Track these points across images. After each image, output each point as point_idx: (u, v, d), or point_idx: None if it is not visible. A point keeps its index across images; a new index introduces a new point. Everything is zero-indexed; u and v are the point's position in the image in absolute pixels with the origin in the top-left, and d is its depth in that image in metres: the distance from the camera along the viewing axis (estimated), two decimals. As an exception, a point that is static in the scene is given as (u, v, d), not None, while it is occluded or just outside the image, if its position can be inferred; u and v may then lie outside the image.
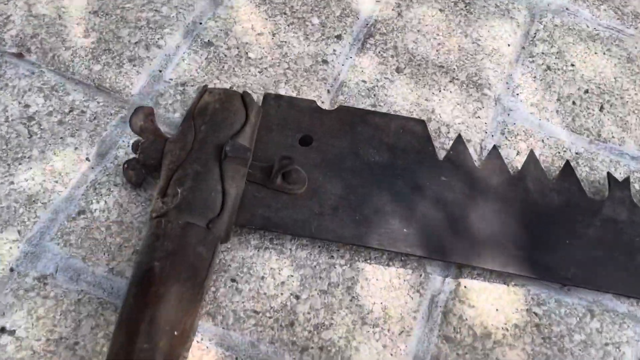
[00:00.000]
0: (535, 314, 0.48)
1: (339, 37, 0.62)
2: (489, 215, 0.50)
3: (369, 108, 0.57)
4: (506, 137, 0.57)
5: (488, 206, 0.50)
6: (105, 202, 0.51)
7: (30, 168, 0.51)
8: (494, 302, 0.48)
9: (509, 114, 0.59)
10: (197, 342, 0.45)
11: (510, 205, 0.50)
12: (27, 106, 0.55)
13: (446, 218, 0.49)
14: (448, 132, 0.57)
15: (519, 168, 0.54)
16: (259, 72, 0.59)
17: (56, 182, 0.51)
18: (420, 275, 0.49)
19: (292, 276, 0.48)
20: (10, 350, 0.44)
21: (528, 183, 0.52)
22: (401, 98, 0.58)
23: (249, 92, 0.56)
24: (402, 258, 0.50)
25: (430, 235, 0.48)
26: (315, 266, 0.49)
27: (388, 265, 0.49)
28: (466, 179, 0.51)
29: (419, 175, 0.51)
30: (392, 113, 0.56)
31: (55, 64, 0.58)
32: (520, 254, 0.48)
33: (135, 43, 0.60)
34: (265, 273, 0.48)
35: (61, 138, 0.53)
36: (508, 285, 0.49)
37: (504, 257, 0.48)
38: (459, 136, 0.54)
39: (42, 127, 0.54)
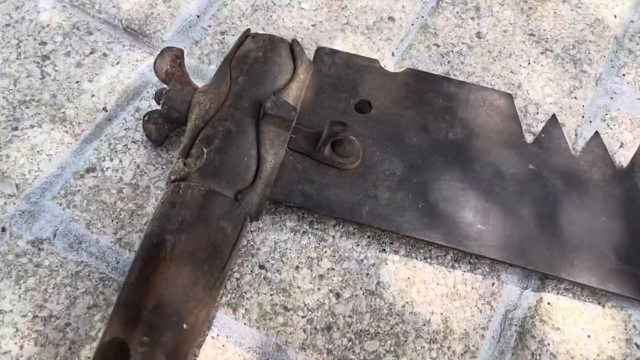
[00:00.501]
0: (637, 345, 0.38)
1: (409, -8, 0.52)
2: (586, 217, 0.39)
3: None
4: (608, 125, 0.46)
5: (586, 206, 0.40)
6: (120, 160, 0.43)
7: (38, 114, 0.44)
8: (584, 327, 0.38)
9: (612, 98, 0.48)
10: (212, 338, 0.37)
11: (614, 206, 0.40)
12: (43, 43, 0.47)
13: (532, 216, 0.39)
14: (537, 113, 0.46)
15: (625, 163, 0.44)
16: (312, 25, 0.50)
17: (66, 132, 0.43)
18: (493, 284, 0.39)
19: (333, 269, 0.39)
20: (-10, 324, 0.36)
21: (638, 182, 0.41)
22: (481, 68, 0.48)
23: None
24: (471, 260, 0.40)
25: (510, 235, 0.38)
26: (362, 260, 0.40)
27: (453, 267, 0.40)
28: (560, 170, 0.41)
29: (501, 160, 0.41)
30: (470, 82, 0.46)
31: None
32: (624, 268, 0.38)
33: (173, -18, 0.51)
34: (301, 262, 0.39)
35: (77, 82, 0.46)
36: (604, 307, 0.39)
37: (603, 271, 0.38)
38: (553, 117, 0.43)
39: (57, 69, 0.46)
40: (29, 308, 0.37)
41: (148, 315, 0.31)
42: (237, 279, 0.39)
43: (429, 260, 0.40)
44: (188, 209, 0.34)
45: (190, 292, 0.32)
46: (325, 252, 0.40)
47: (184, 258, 0.32)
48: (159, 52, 0.40)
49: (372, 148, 0.41)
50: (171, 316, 0.31)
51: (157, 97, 0.40)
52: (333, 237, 0.41)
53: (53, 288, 0.38)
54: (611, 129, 0.46)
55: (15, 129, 0.43)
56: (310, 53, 0.48)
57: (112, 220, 0.40)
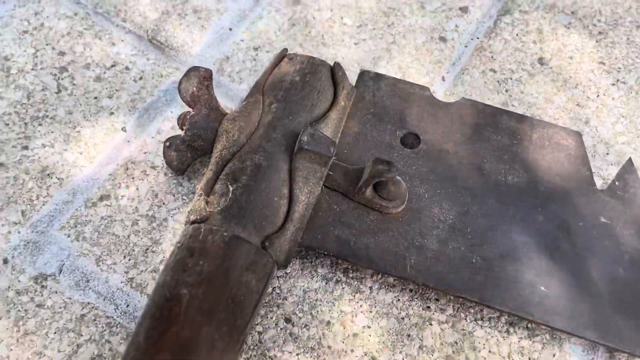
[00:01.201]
0: None
1: (464, 9, 0.47)
2: (668, 284, 0.34)
3: (498, 107, 0.42)
4: (689, 171, 0.40)
5: (668, 270, 0.34)
6: (137, 188, 0.38)
7: (51, 132, 0.40)
8: (662, 414, 0.33)
9: (693, 139, 0.42)
10: (228, 401, 0.32)
11: (702, 273, 0.34)
12: (61, 53, 0.43)
13: (604, 279, 0.34)
14: (607, 154, 0.41)
15: None
16: (355, 43, 0.45)
17: (80, 153, 0.39)
18: (554, 355, 0.34)
19: (369, 327, 0.34)
20: (-17, 370, 0.32)
21: None
22: (543, 99, 0.43)
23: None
24: (529, 325, 0.35)
25: (578, 301, 0.33)
26: (403, 318, 0.35)
27: (508, 332, 0.34)
28: (637, 225, 0.35)
29: (568, 211, 0.35)
30: (532, 117, 0.40)
31: (104, 6, 0.46)
32: None
33: (205, -9, 0.47)
34: (333, 317, 0.35)
35: (95, 98, 0.42)
36: (684, 391, 0.33)
37: (688, 351, 0.32)
38: (629, 161, 0.38)
39: (74, 82, 0.42)
40: (27, 355, 0.33)
41: (156, 386, 0.26)
42: (260, 333, 0.34)
43: (479, 322, 0.35)
44: (208, 259, 0.29)
45: (206, 357, 0.28)
46: (361, 306, 0.35)
47: (200, 317, 0.28)
48: (184, 72, 0.36)
49: (419, 189, 0.36)
50: (182, 387, 0.27)
51: (181, 121, 0.36)
52: (370, 288, 0.36)
53: (55, 333, 0.34)
54: (693, 175, 0.40)
55: (26, 147, 0.39)
56: (351, 75, 0.43)
57: (124, 257, 0.36)
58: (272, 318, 0.35)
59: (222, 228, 0.30)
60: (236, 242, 0.30)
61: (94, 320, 0.34)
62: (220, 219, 0.31)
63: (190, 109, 0.36)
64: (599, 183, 0.39)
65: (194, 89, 0.35)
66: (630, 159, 0.38)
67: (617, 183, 0.37)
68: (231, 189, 0.32)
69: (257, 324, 0.34)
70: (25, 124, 0.40)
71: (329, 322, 0.35)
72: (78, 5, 0.46)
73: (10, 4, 0.46)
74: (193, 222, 0.31)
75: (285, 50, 0.38)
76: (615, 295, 0.33)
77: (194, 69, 0.35)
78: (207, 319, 0.28)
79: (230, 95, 0.43)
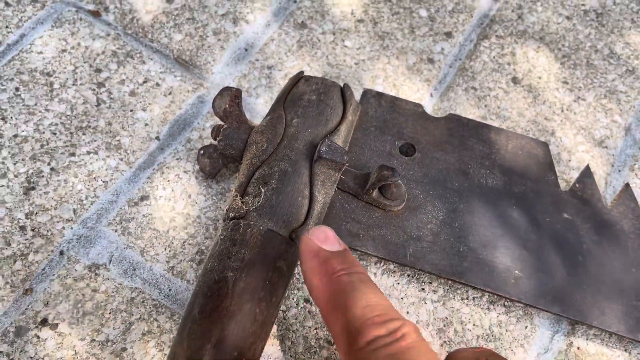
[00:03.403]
0: (661, 393, 0.40)
1: (449, 34, 0.55)
2: (617, 267, 0.41)
3: (479, 120, 0.49)
4: (636, 175, 0.48)
5: (617, 256, 0.42)
6: (172, 189, 0.44)
7: (94, 140, 0.46)
8: (612, 372, 0.40)
9: (640, 148, 0.50)
10: (260, 368, 0.38)
11: (644, 258, 0.42)
12: (98, 70, 0.49)
13: (566, 264, 0.41)
14: (569, 160, 0.48)
15: (653, 214, 0.46)
16: (355, 63, 0.52)
17: (121, 159, 0.45)
18: (526, 327, 0.41)
19: (374, 306, 0.41)
20: (50, 346, 0.38)
21: (666, 234, 0.43)
22: (516, 113, 0.50)
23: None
24: (506, 303, 0.42)
25: (545, 282, 0.40)
26: (402, 298, 0.42)
27: (488, 309, 0.42)
28: (593, 220, 0.43)
29: (537, 208, 0.43)
30: (508, 129, 0.48)
31: (133, 28, 0.52)
32: (651, 319, 0.40)
33: (223, 15, 0.53)
34: (345, 298, 0.41)
35: (131, 111, 0.48)
36: (630, 354, 0.41)
37: (633, 321, 0.40)
38: (587, 168, 0.45)
39: (112, 96, 0.48)
40: (87, 332, 0.39)
41: (211, 350, 0.33)
42: (284, 311, 0.41)
43: (466, 301, 0.42)
44: (248, 248, 0.36)
45: (250, 328, 0.34)
46: (367, 288, 0.42)
47: (244, 295, 0.34)
48: (218, 91, 0.42)
49: (415, 191, 0.43)
50: (233, 351, 0.33)
51: (215, 133, 0.42)
52: (374, 274, 0.42)
53: (110, 313, 0.39)
54: (639, 179, 0.48)
55: (73, 154, 0.45)
56: (353, 90, 0.50)
57: (165, 249, 0.42)
58: (293, 299, 0.41)
59: (257, 223, 0.37)
60: (270, 234, 0.37)
61: (142, 302, 0.40)
62: (256, 215, 0.37)
63: (222, 123, 0.43)
64: (562, 185, 0.47)
65: (226, 105, 0.42)
66: (588, 165, 0.46)
67: (577, 185, 0.45)
68: (263, 190, 0.38)
69: (282, 304, 0.41)
70: (71, 133, 0.46)
71: (341, 302, 0.41)
72: (109, 27, 0.52)
73: (47, 25, 0.51)
74: (232, 219, 0.38)
75: (302, 72, 0.45)
76: (576, 277, 0.41)
77: (227, 89, 0.42)
78: (249, 296, 0.34)
79: (248, 108, 0.49)
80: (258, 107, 0.49)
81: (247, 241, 0.36)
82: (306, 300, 0.41)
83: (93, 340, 0.38)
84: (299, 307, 0.41)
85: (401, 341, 0.27)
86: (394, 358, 0.27)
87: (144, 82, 0.49)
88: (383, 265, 0.43)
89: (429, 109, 0.50)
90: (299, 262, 0.38)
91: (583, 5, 0.58)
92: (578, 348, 0.41)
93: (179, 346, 0.34)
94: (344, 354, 0.29)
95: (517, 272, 0.40)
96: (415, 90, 0.51)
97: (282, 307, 0.41)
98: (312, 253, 0.33)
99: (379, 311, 0.29)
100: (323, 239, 0.33)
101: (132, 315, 0.40)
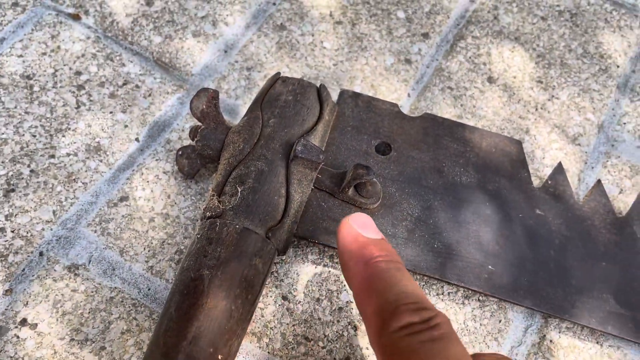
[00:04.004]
0: (631, 384, 0.41)
1: (425, 35, 0.55)
2: (588, 262, 0.42)
3: (454, 119, 0.50)
4: (608, 171, 0.50)
5: (588, 251, 0.43)
6: (152, 190, 0.45)
7: (74, 142, 0.46)
8: (583, 364, 0.41)
9: (612, 145, 0.51)
10: (238, 365, 0.39)
11: (614, 252, 0.43)
12: (78, 73, 0.50)
13: (538, 259, 0.42)
14: (543, 158, 0.49)
15: (623, 209, 0.47)
16: (334, 64, 0.53)
17: (101, 161, 0.46)
18: (500, 321, 0.42)
19: (351, 302, 0.42)
20: (29, 345, 0.38)
21: (636, 229, 0.44)
22: (492, 112, 0.51)
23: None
24: (480, 298, 0.43)
25: (518, 276, 0.41)
26: (379, 294, 0.42)
27: (463, 304, 0.43)
28: (565, 216, 0.44)
29: (510, 205, 0.44)
30: (482, 128, 0.49)
31: (113, 31, 0.52)
32: (622, 312, 0.41)
33: (202, 17, 0.54)
34: (322, 295, 0.42)
35: (111, 113, 0.48)
36: (602, 346, 0.42)
37: (603, 314, 0.41)
38: (560, 165, 0.46)
39: (91, 98, 0.48)
40: (67, 331, 0.39)
41: (187, 346, 0.33)
42: (262, 309, 0.41)
43: (441, 296, 0.43)
44: (224, 246, 0.36)
45: (225, 325, 0.34)
46: (344, 286, 0.43)
47: (220, 292, 0.35)
48: (195, 93, 0.43)
49: (391, 189, 0.44)
50: (208, 347, 0.34)
51: (192, 134, 0.43)
52: (352, 271, 0.43)
53: (89, 312, 0.40)
54: (612, 175, 0.49)
55: (52, 156, 0.45)
56: (331, 92, 0.51)
57: (144, 249, 0.43)
58: (271, 296, 0.42)
59: (234, 222, 0.38)
60: (246, 233, 0.37)
61: (122, 301, 0.41)
62: (232, 214, 0.38)
63: (200, 124, 0.43)
64: (536, 182, 0.48)
65: (204, 106, 0.42)
66: (560, 162, 0.47)
67: (549, 182, 0.46)
68: (239, 190, 0.39)
69: (260, 302, 0.41)
70: (51, 135, 0.46)
71: (318, 299, 0.42)
72: (89, 30, 0.52)
73: (27, 28, 0.51)
74: (209, 218, 0.38)
75: (279, 73, 0.45)
76: (548, 271, 0.42)
77: (204, 90, 0.42)
78: (225, 293, 0.35)
79: (227, 109, 0.50)
80: (238, 108, 0.50)
81: (223, 239, 0.37)
82: (284, 298, 0.42)
83: (72, 339, 0.39)
84: (277, 305, 0.41)
85: (433, 330, 0.28)
86: (425, 345, 0.27)
87: (124, 84, 0.50)
88: (360, 263, 0.43)
89: (406, 109, 0.51)
90: (337, 246, 0.37)
91: (558, 5, 0.59)
92: (551, 341, 0.42)
93: (155, 343, 0.34)
94: (375, 335, 0.30)
95: (490, 267, 0.41)
96: (393, 91, 0.52)
97: (260, 305, 0.41)
98: (351, 237, 0.33)
99: (414, 299, 0.29)
100: (362, 225, 0.34)
101: (112, 314, 0.40)
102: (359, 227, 0.34)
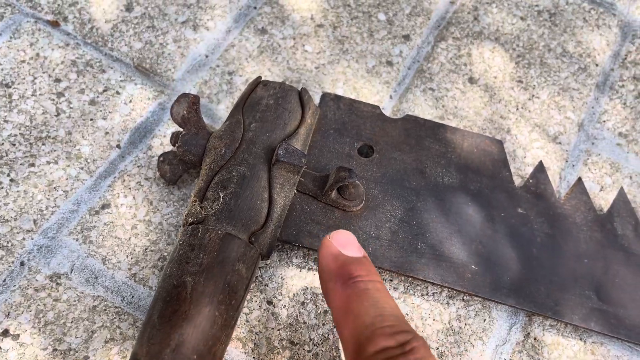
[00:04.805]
0: (615, 379, 0.41)
1: (407, 37, 0.56)
2: (570, 259, 0.43)
3: (436, 120, 0.51)
4: (589, 169, 0.50)
5: (570, 248, 0.43)
6: (134, 197, 0.45)
7: (54, 150, 0.46)
8: (567, 361, 0.42)
9: (593, 143, 0.52)
10: (223, 371, 0.39)
11: (595, 249, 0.43)
12: (57, 80, 0.49)
13: (521, 257, 0.42)
14: (525, 157, 0.50)
15: (604, 206, 0.47)
16: (316, 67, 0.53)
17: (81, 168, 0.45)
18: (484, 320, 0.42)
19: (336, 305, 0.42)
20: (11, 357, 0.38)
21: (617, 226, 0.45)
22: (473, 112, 0.52)
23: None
24: (464, 297, 0.43)
25: (501, 275, 0.42)
26: (364, 296, 0.42)
27: (448, 304, 0.43)
28: (546, 214, 0.44)
29: (492, 204, 0.44)
30: (464, 129, 0.49)
31: (92, 37, 0.52)
32: (604, 308, 0.41)
33: (183, 22, 0.54)
34: (307, 298, 0.42)
35: (91, 120, 0.48)
36: (585, 343, 0.42)
37: (585, 310, 0.41)
38: (540, 163, 0.47)
39: (71, 106, 0.48)
40: (49, 341, 0.39)
41: (170, 354, 0.33)
42: (247, 314, 0.41)
43: (425, 297, 0.43)
44: (206, 252, 0.36)
45: (209, 331, 0.34)
46: (329, 288, 0.43)
47: (203, 299, 0.35)
48: (176, 98, 0.43)
49: (374, 191, 0.44)
50: (192, 354, 0.33)
51: (174, 140, 0.43)
52: (336, 274, 0.43)
53: (72, 322, 0.39)
54: (592, 173, 0.50)
55: (32, 165, 0.45)
56: (314, 95, 0.51)
57: (127, 256, 0.42)
58: (256, 301, 0.42)
59: (216, 227, 0.37)
60: (229, 238, 0.37)
61: (105, 310, 0.40)
62: (214, 220, 0.38)
63: (181, 129, 0.43)
64: (518, 181, 0.48)
65: (184, 112, 0.42)
66: (541, 161, 0.47)
67: (531, 181, 0.46)
68: (221, 195, 0.39)
69: (244, 307, 0.41)
70: (30, 144, 0.46)
71: (303, 302, 0.42)
72: (68, 37, 0.52)
73: (6, 36, 0.51)
74: (191, 224, 0.38)
75: (260, 77, 0.45)
76: (530, 270, 0.42)
77: (184, 95, 0.42)
78: (208, 300, 0.35)
79: (209, 114, 0.49)
80: (220, 112, 0.50)
81: (205, 245, 0.37)
82: (269, 302, 0.42)
83: (55, 349, 0.38)
84: (262, 309, 0.41)
85: (409, 354, 0.27)
86: None
87: (104, 90, 0.49)
88: (345, 265, 0.43)
89: (388, 111, 0.51)
90: (319, 262, 0.37)
91: (537, 5, 0.59)
92: (535, 339, 0.42)
93: (138, 352, 0.34)
94: (351, 359, 0.29)
95: (473, 266, 0.42)
96: (375, 93, 0.52)
97: (245, 310, 0.41)
98: (331, 256, 0.33)
99: (391, 322, 0.29)
100: (344, 243, 0.34)
101: (95, 323, 0.40)
102: (340, 246, 0.34)
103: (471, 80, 0.54)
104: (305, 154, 0.41)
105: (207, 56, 0.52)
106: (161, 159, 0.44)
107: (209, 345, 0.34)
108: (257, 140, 0.41)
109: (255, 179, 0.40)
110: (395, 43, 0.55)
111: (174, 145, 0.43)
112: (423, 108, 0.52)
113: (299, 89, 0.46)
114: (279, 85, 0.44)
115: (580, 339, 0.42)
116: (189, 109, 0.42)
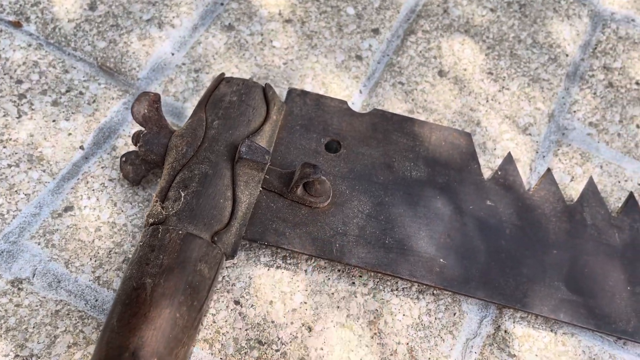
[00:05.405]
0: (586, 370, 0.41)
1: (376, 31, 0.55)
2: (539, 250, 0.43)
3: (406, 114, 0.50)
4: (560, 160, 0.50)
5: (539, 239, 0.43)
6: (97, 198, 0.44)
7: (16, 153, 0.45)
8: (538, 353, 0.41)
9: (563, 133, 0.51)
10: (190, 373, 0.38)
11: (564, 240, 0.43)
12: (19, 82, 0.48)
13: (489, 250, 0.42)
14: (495, 149, 0.49)
15: (575, 196, 0.47)
16: (284, 63, 0.52)
17: (43, 171, 0.44)
18: (454, 314, 0.42)
19: (305, 303, 0.41)
20: (-30, 365, 0.37)
21: (586, 216, 0.45)
22: (443, 105, 0.51)
23: (272, 85, 0.50)
24: (434, 292, 0.43)
25: (469, 268, 0.41)
26: (333, 293, 0.42)
27: (418, 298, 0.42)
28: (515, 206, 0.44)
29: (461, 197, 0.44)
30: (432, 122, 0.49)
31: (55, 37, 0.51)
32: (573, 298, 0.41)
33: (148, 20, 0.53)
34: (275, 297, 0.41)
35: (54, 121, 0.47)
36: (556, 334, 0.42)
37: (555, 301, 0.41)
38: (509, 155, 0.47)
39: (33, 107, 0.47)
40: (11, 347, 0.38)
41: (129, 358, 0.32)
42: (213, 315, 0.40)
43: (395, 292, 0.42)
44: (166, 253, 0.36)
45: (170, 333, 0.34)
46: (298, 286, 0.42)
47: (163, 301, 0.34)
48: (136, 97, 0.42)
49: (341, 187, 0.43)
50: (152, 357, 0.33)
51: (135, 139, 0.42)
52: (305, 271, 0.43)
53: (33, 327, 0.39)
54: (563, 163, 0.50)
55: (-7, 168, 0.44)
56: (282, 91, 0.50)
57: (91, 259, 0.42)
58: (223, 302, 0.41)
59: (177, 227, 0.37)
60: (190, 238, 0.36)
61: (68, 314, 0.39)
62: (175, 220, 0.37)
63: (143, 128, 0.42)
64: (487, 173, 0.48)
65: (145, 111, 0.41)
66: (509, 152, 0.47)
67: (499, 172, 0.46)
68: (183, 194, 0.38)
69: (211, 308, 0.41)
70: (-9, 147, 0.45)
71: (271, 302, 0.41)
72: (31, 37, 0.51)
73: (-35, 37, 0.50)
74: (152, 224, 0.37)
75: (223, 74, 0.45)
76: (499, 262, 0.42)
77: (145, 94, 0.41)
78: (169, 301, 0.34)
79: (175, 113, 0.49)
80: (186, 111, 0.49)
81: (165, 246, 0.36)
82: (236, 302, 0.41)
83: (17, 355, 0.38)
84: (229, 310, 0.41)
85: None
86: None
87: (67, 91, 0.48)
88: (314, 262, 0.43)
89: (358, 106, 0.51)
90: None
91: (507, -3, 0.59)
92: (506, 331, 0.42)
93: (97, 356, 0.33)
94: None
95: (441, 260, 0.41)
96: (344, 88, 0.52)
97: (212, 311, 0.41)
98: None
99: None
100: None
101: (57, 328, 0.39)
102: None
103: (441, 73, 0.53)
104: (268, 150, 0.40)
105: (173, 54, 0.52)
106: (123, 159, 0.43)
107: (170, 348, 0.34)
108: (219, 137, 0.41)
109: (218, 177, 0.39)
110: (364, 37, 0.55)
111: (135, 145, 0.42)
112: (393, 102, 0.51)
113: (263, 85, 0.45)
114: (242, 81, 0.44)
115: (551, 331, 0.42)
116: (149, 108, 0.41)
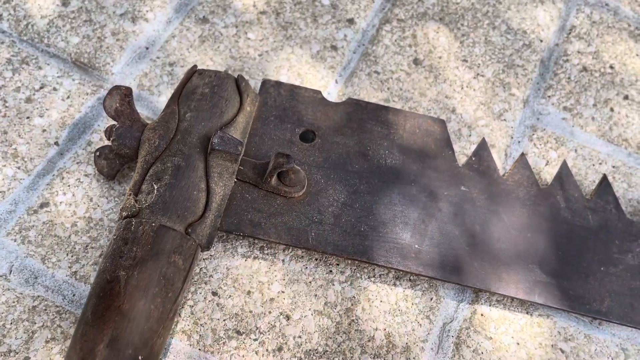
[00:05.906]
0: (562, 350, 0.42)
1: (351, 21, 0.55)
2: (513, 234, 0.43)
3: (382, 103, 0.50)
4: (535, 144, 0.50)
5: (513, 223, 0.43)
6: (73, 194, 0.44)
7: (-11, 150, 0.45)
8: (514, 335, 0.42)
9: (538, 118, 0.52)
10: (168, 364, 0.38)
11: (538, 223, 0.44)
12: (-8, 79, 0.48)
13: (464, 234, 0.43)
14: (470, 135, 0.50)
15: (549, 181, 0.48)
16: (259, 55, 0.52)
17: (18, 168, 0.44)
18: (431, 299, 0.43)
19: (283, 292, 0.42)
20: (-52, 363, 0.37)
21: (559, 199, 0.45)
22: (418, 93, 0.52)
23: (246, 77, 0.50)
24: (411, 277, 0.43)
25: (444, 253, 0.42)
26: (310, 282, 0.42)
27: (394, 285, 0.43)
28: (489, 190, 0.45)
29: (435, 183, 0.44)
30: (407, 110, 0.49)
31: (28, 34, 0.51)
32: (547, 280, 0.42)
33: (121, 15, 0.53)
34: (253, 287, 0.42)
35: (28, 118, 0.47)
36: (531, 316, 0.43)
37: (529, 284, 0.42)
38: (483, 141, 0.47)
39: (7, 104, 0.47)
40: (-13, 345, 0.38)
41: (104, 350, 0.33)
42: (191, 306, 0.41)
43: (372, 279, 0.43)
44: (140, 245, 0.36)
45: (144, 325, 0.34)
46: (276, 275, 0.42)
47: (137, 293, 0.34)
48: (107, 91, 0.42)
49: (316, 176, 0.43)
50: (126, 349, 0.33)
51: (108, 133, 0.42)
52: (283, 261, 0.43)
53: (11, 323, 0.39)
54: (537, 148, 0.50)
55: (-33, 166, 0.44)
56: (257, 82, 0.50)
57: (67, 254, 0.42)
58: (201, 293, 0.41)
59: (150, 220, 0.37)
60: (163, 230, 0.37)
61: (45, 310, 0.40)
62: (149, 212, 0.37)
63: (115, 122, 0.42)
64: (463, 159, 0.48)
65: (117, 104, 0.41)
66: (484, 138, 0.47)
67: (473, 158, 0.46)
68: (156, 187, 0.38)
69: (188, 299, 0.41)
70: (-36, 145, 0.45)
71: (249, 292, 0.42)
72: (3, 34, 0.50)
73: (-64, 36, 0.50)
74: (125, 218, 0.38)
75: (195, 66, 0.45)
76: (474, 247, 0.42)
77: (116, 88, 0.41)
78: (142, 293, 0.34)
79: (150, 107, 0.49)
80: (161, 104, 0.49)
81: (138, 239, 0.36)
82: (214, 293, 0.41)
83: (-6, 353, 0.38)
84: (207, 301, 0.41)
85: None
86: None
87: (41, 87, 0.48)
88: (291, 252, 0.43)
89: (334, 96, 0.51)
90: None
91: (481, -16, 0.59)
92: (482, 315, 0.42)
93: (73, 349, 0.33)
94: None
95: (417, 246, 0.41)
96: (320, 78, 0.52)
97: (190, 302, 0.41)
98: None
99: None
100: None
101: (35, 323, 0.39)
102: None
103: (416, 61, 0.54)
104: (241, 141, 0.41)
105: (147, 48, 0.52)
106: (97, 153, 0.43)
107: (145, 339, 0.34)
108: (192, 130, 0.41)
109: (191, 169, 0.39)
110: (339, 27, 0.55)
111: (109, 139, 0.42)
112: (369, 91, 0.51)
113: (236, 76, 0.45)
114: (214, 73, 0.44)
115: (527, 313, 0.43)
116: (121, 102, 0.41)
